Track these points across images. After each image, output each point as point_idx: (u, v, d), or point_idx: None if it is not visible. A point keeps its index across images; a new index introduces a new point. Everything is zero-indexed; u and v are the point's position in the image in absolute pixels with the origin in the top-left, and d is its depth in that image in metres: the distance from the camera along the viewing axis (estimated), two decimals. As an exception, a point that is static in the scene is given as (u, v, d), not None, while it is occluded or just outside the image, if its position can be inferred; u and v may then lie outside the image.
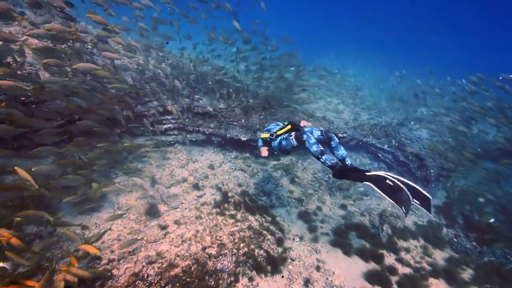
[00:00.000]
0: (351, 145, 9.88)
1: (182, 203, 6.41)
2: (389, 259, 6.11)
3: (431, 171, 8.67)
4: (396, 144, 9.72)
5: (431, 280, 5.65)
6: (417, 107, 13.65)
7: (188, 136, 7.98)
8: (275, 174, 8.30)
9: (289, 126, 5.14)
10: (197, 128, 7.94)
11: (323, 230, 6.77)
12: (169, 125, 7.70)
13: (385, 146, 9.71)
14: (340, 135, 9.44)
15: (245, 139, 8.06)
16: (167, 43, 10.02)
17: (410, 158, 9.31)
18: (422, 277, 5.65)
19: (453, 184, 9.04)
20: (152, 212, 5.85)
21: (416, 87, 16.02)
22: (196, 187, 6.99)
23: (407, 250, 6.49)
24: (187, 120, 7.89)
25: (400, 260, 6.09)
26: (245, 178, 7.83)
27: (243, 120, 8.30)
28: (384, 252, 6.21)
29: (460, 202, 8.11)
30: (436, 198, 8.59)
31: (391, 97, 14.47)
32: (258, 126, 8.30)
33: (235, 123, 8.26)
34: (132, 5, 7.45)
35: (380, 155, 9.80)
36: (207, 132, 8.01)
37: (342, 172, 4.24)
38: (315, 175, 8.62)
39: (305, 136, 4.48)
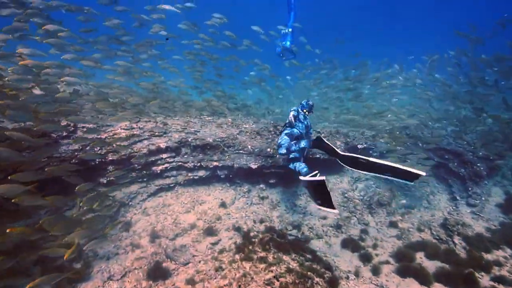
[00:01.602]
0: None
1: (194, 256, 4.90)
2: (484, 280, 4.48)
3: (478, 165, 7.37)
4: (424, 145, 8.55)
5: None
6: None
7: (189, 174, 6.73)
8: (298, 202, 6.89)
9: None
10: (198, 164, 6.73)
11: (381, 258, 5.22)
12: (165, 165, 6.50)
13: (413, 151, 8.50)
14: (359, 146, 8.30)
15: (256, 166, 6.83)
16: (167, 39, 9.33)
17: (446, 157, 8.06)
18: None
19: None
20: (155, 274, 4.34)
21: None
22: (208, 232, 5.53)
23: (498, 264, 4.87)
24: (185, 156, 6.73)
25: (499, 280, 4.45)
26: (266, 212, 6.40)
27: (249, 146, 7.17)
28: (472, 271, 4.61)
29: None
30: (494, 196, 7.15)
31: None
32: (268, 149, 7.15)
33: (241, 151, 7.11)
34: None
35: (410, 161, 8.53)
36: (211, 166, 6.80)
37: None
38: (345, 195, 7.21)
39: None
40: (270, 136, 7.71)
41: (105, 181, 5.61)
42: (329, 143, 5.97)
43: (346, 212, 6.60)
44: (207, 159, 6.84)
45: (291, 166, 5.46)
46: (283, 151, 5.61)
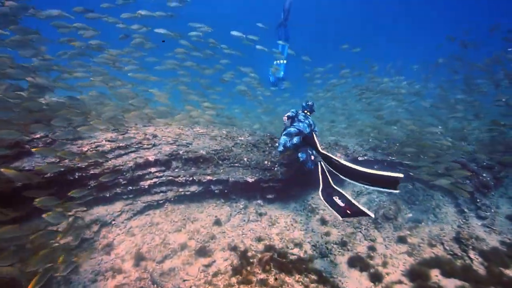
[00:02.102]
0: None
1: (185, 280, 4.31)
2: (511, 298, 4.02)
3: (483, 175, 7.09)
4: (425, 157, 8.27)
5: None
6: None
7: (180, 190, 6.21)
8: (299, 217, 6.40)
9: None
10: (190, 178, 6.24)
11: (392, 277, 4.72)
12: (154, 180, 5.99)
13: (414, 163, 8.20)
14: (360, 158, 7.97)
15: (253, 180, 6.38)
16: (163, 41, 9.02)
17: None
18: None
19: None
20: (138, 303, 3.73)
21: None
22: (201, 253, 4.95)
23: (522, 281, 4.43)
24: (176, 170, 6.24)
25: (527, 297, 4.00)
26: (264, 230, 5.87)
27: (245, 159, 6.75)
28: (495, 289, 4.15)
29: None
30: (502, 207, 6.81)
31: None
32: (266, 162, 6.74)
33: (236, 164, 6.67)
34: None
35: (412, 174, 8.20)
36: (204, 181, 6.30)
37: None
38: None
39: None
40: (267, 148, 7.33)
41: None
42: (316, 140, 5.65)
43: (351, 228, 6.12)
44: (200, 173, 6.36)
45: (307, 164, 5.99)
46: (281, 148, 6.00)
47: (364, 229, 6.06)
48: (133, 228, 5.39)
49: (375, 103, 12.36)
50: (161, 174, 6.09)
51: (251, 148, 7.21)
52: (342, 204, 4.61)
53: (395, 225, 6.22)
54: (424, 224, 6.40)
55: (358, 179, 4.42)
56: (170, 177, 6.13)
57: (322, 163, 5.74)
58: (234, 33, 9.18)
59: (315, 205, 6.82)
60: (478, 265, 4.79)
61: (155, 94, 8.67)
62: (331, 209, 4.56)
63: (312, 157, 6.15)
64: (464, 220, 6.30)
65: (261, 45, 10.01)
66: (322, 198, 4.97)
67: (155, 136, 6.64)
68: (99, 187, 5.26)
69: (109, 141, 5.77)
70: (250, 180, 6.37)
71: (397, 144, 8.69)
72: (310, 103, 7.21)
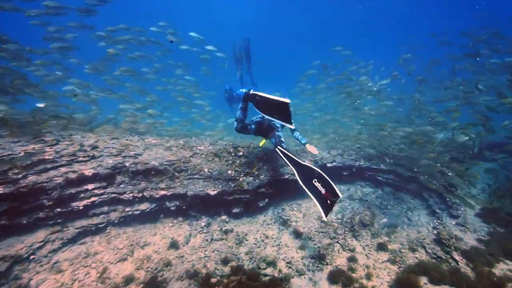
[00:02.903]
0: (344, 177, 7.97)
1: (127, 326, 3.25)
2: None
3: (449, 174, 7.08)
4: (392, 161, 8.17)
5: None
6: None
7: (127, 209, 5.13)
8: (270, 232, 5.65)
9: None
10: (140, 195, 5.20)
11: (380, 291, 4.12)
12: (92, 199, 4.85)
13: (382, 166, 8.04)
14: (329, 164, 7.58)
15: (215, 192, 5.54)
16: (171, 42, 8.33)
17: (415, 169, 7.71)
18: None
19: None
20: None
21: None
22: (151, 286, 3.91)
23: (510, 280, 4.13)
24: (121, 185, 5.17)
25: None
26: (231, 249, 4.99)
27: (206, 170, 5.92)
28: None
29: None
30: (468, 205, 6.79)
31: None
32: (230, 172, 5.97)
33: (196, 176, 5.80)
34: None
35: (380, 178, 8.00)
36: (157, 197, 5.31)
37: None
38: (322, 219, 6.20)
39: None
40: (230, 157, 6.57)
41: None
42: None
43: (327, 239, 5.52)
44: (152, 188, 5.35)
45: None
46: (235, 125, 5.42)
47: (342, 239, 5.50)
48: (60, 263, 4.16)
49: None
50: (102, 192, 4.97)
51: (213, 158, 6.40)
52: (323, 191, 4.32)
53: (372, 232, 5.76)
54: (400, 228, 6.06)
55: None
56: (114, 195, 5.04)
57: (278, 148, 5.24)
58: (192, 34, 8.64)
59: (287, 217, 6.15)
60: (464, 267, 4.44)
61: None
62: (314, 200, 4.25)
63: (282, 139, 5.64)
64: (438, 221, 6.09)
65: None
66: (302, 185, 4.48)
67: (94, 147, 5.53)
68: (11, 211, 4.02)
69: (27, 153, 4.57)
70: (212, 192, 5.52)
71: (363, 150, 8.51)
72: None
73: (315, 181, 4.44)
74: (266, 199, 6.28)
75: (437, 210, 6.57)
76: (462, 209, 6.42)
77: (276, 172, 6.40)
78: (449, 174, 7.07)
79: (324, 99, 13.00)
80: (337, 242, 5.42)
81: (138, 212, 5.20)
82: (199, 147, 6.74)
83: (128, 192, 5.15)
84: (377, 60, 12.90)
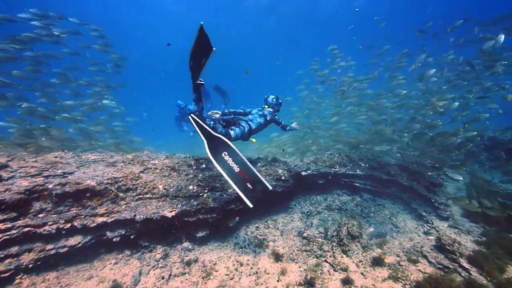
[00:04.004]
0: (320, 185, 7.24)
1: None
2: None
3: (429, 174, 6.71)
4: (367, 165, 7.69)
5: None
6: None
7: (49, 247, 3.74)
8: (244, 257, 4.58)
9: None
10: (68, 226, 3.86)
11: (390, 320, 3.25)
12: (-6, 237, 3.42)
13: (357, 171, 7.49)
14: (303, 173, 6.81)
15: (173, 213, 4.40)
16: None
17: (393, 172, 7.27)
18: None
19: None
20: None
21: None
22: None
23: (527, 284, 3.54)
24: (40, 215, 3.80)
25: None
26: (197, 286, 3.82)
27: (160, 187, 4.76)
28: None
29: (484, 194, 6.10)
30: (451, 205, 6.41)
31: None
32: (191, 187, 4.88)
33: (147, 195, 4.60)
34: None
35: (357, 184, 7.42)
36: (93, 226, 4.00)
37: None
38: (303, 235, 5.31)
39: None
40: (191, 171, 5.49)
41: None
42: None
43: (313, 258, 4.60)
44: (86, 215, 4.04)
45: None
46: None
47: (330, 257, 4.62)
48: None
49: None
50: (9, 226, 3.57)
51: (169, 173, 5.26)
52: (236, 169, 3.94)
53: (362, 244, 4.97)
54: (390, 237, 5.38)
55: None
56: (27, 228, 3.65)
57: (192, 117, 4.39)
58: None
59: (263, 236, 5.17)
60: (478, 276, 3.78)
61: None
62: (227, 177, 3.82)
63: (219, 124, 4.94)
64: (429, 225, 5.53)
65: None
66: (212, 159, 3.99)
67: (4, 166, 4.12)
68: None
69: None
70: (169, 214, 4.37)
71: (337, 155, 7.96)
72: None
73: (224, 154, 4.05)
74: (237, 218, 5.25)
75: (423, 213, 6.07)
76: (449, 208, 5.98)
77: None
78: (429, 173, 6.70)
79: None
80: (325, 261, 4.52)
81: (66, 249, 3.82)
82: (152, 161, 5.55)
83: (50, 224, 3.78)
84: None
